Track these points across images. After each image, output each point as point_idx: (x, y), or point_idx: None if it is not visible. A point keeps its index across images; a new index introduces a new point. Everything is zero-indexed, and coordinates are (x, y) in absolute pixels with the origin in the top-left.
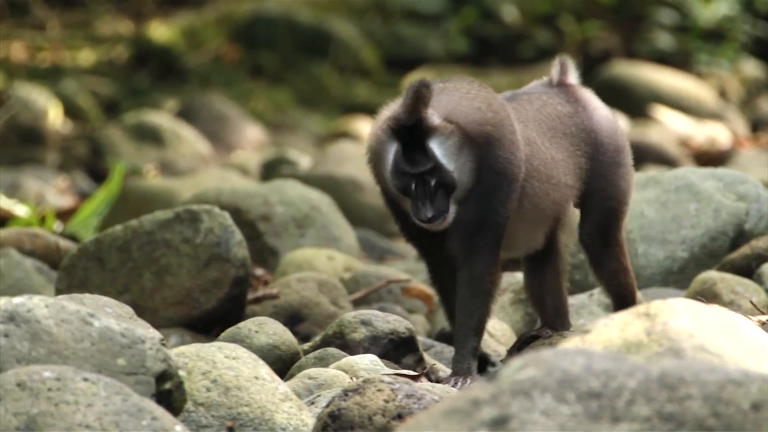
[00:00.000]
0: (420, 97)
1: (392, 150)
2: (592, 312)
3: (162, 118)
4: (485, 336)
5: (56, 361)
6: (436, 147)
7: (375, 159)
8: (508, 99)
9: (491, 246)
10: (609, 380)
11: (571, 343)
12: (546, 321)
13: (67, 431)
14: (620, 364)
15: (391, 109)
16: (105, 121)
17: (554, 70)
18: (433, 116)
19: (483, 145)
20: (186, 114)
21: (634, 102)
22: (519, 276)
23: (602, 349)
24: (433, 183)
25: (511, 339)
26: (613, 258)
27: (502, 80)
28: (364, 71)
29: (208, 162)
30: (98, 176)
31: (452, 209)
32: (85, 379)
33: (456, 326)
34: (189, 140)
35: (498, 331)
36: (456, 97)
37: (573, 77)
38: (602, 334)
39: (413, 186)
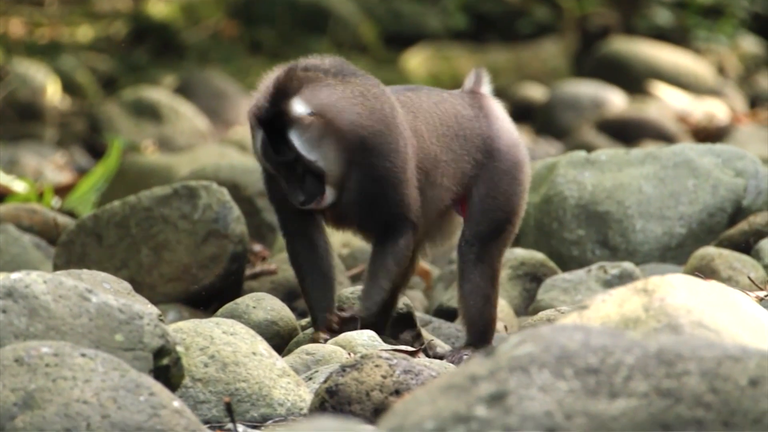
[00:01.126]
0: (282, 89)
1: (259, 136)
2: (589, 288)
3: (160, 94)
4: None
5: (54, 337)
6: (295, 138)
7: (251, 138)
8: (406, 89)
9: (407, 225)
10: (607, 356)
11: (568, 319)
12: None
13: (64, 407)
14: (618, 340)
15: (260, 92)
16: (103, 97)
17: (468, 79)
18: (295, 107)
19: (357, 148)
20: (184, 90)
21: (632, 78)
22: (517, 252)
23: (600, 325)
24: (300, 170)
25: (509, 315)
26: (481, 277)
27: (500, 56)
28: (362, 47)
29: (207, 138)
30: (96, 152)
31: (329, 192)
32: (83, 355)
33: (368, 281)
34: (187, 116)
35: None
36: (337, 94)
37: (486, 88)
38: (600, 310)
39: (281, 173)
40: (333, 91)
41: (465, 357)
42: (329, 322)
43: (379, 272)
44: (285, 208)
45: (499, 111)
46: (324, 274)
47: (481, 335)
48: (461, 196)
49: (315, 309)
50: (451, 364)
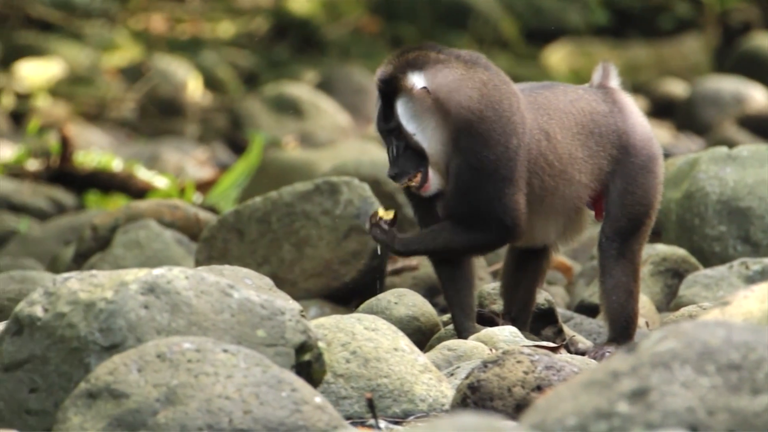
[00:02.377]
0: (405, 60)
1: (377, 106)
2: (731, 284)
3: (301, 89)
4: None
5: (196, 333)
6: (400, 106)
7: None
8: (542, 87)
9: (496, 226)
10: (749, 352)
11: (710, 315)
12: (508, 311)
13: (206, 402)
14: (760, 335)
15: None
16: (244, 92)
17: (596, 74)
18: (411, 77)
19: (461, 131)
20: (325, 85)
21: None
22: (659, 248)
23: (742, 321)
24: (401, 144)
25: (651, 311)
26: (623, 272)
27: (641, 52)
28: (503, 43)
29: (348, 133)
30: (238, 148)
31: (433, 177)
32: (225, 351)
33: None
34: (328, 112)
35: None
36: (456, 76)
37: (615, 81)
38: (742, 306)
39: (387, 142)
40: (453, 73)
41: (607, 353)
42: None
43: (438, 235)
44: (418, 204)
45: (631, 105)
46: (461, 271)
47: (623, 331)
48: (596, 192)
49: (454, 306)
50: (593, 361)
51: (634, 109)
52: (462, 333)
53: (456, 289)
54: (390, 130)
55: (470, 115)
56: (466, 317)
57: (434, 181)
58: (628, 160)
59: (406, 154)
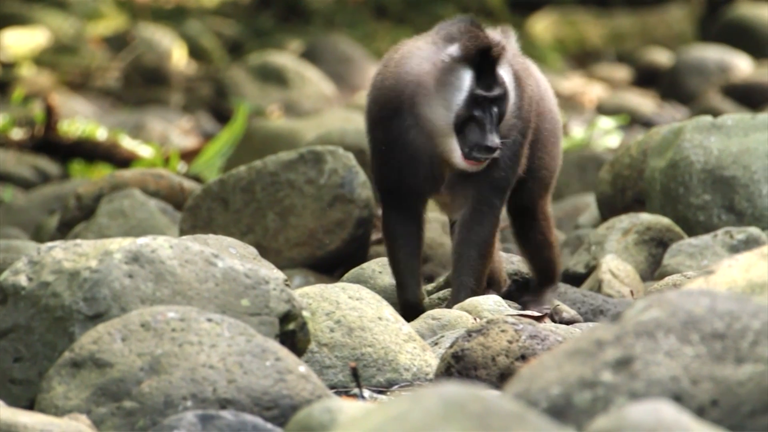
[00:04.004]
0: (481, 27)
1: (466, 77)
2: (715, 253)
3: (286, 58)
4: (609, 276)
5: (180, 302)
6: (505, 74)
7: (420, 87)
8: None
9: (500, 205)
10: (733, 321)
11: (695, 284)
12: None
13: (190, 371)
14: (744, 305)
15: (426, 45)
16: (229, 61)
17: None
18: (500, 43)
19: (525, 96)
20: (310, 55)
21: (758, 43)
22: (643, 217)
23: (726, 291)
24: (495, 112)
25: (635, 280)
26: (539, 231)
27: (626, 21)
28: (487, 12)
29: (332, 103)
30: (222, 117)
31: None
32: (209, 320)
33: (457, 285)
34: (313, 81)
35: (621, 272)
36: (513, 47)
37: (514, 46)
38: (726, 275)
39: (482, 113)
40: (511, 44)
41: (546, 306)
42: None
43: (465, 269)
44: (416, 188)
45: (538, 72)
46: (418, 231)
47: (553, 277)
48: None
49: (404, 275)
50: (577, 330)
51: (541, 75)
52: (409, 299)
53: (409, 252)
54: (494, 98)
55: (533, 84)
56: (417, 284)
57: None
58: (542, 126)
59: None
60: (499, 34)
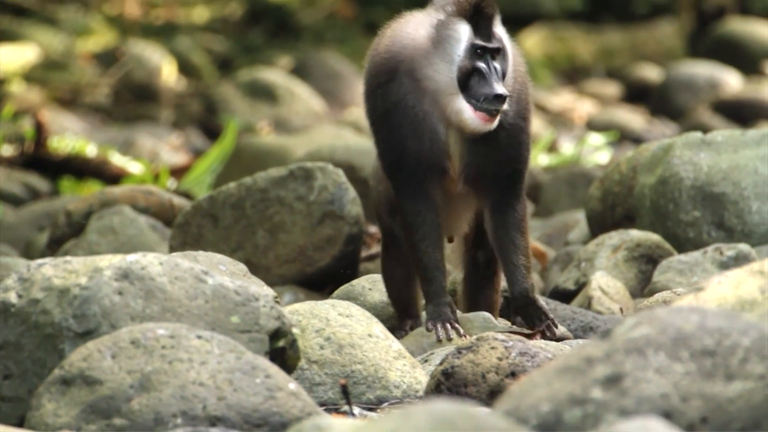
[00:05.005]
0: None
1: (464, 29)
2: (705, 269)
3: (276, 75)
4: (599, 293)
5: (170, 319)
6: (499, 29)
7: (417, 48)
8: None
9: (523, 195)
10: (723, 338)
11: (684, 301)
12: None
13: (180, 389)
14: (734, 322)
15: (423, 16)
16: (219, 78)
17: None
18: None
19: (517, 71)
20: (300, 71)
21: (748, 59)
22: (633, 233)
23: (716, 307)
24: (497, 65)
25: (625, 297)
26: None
27: (616, 37)
28: None
29: (322, 119)
30: (212, 133)
31: (506, 104)
32: (199, 337)
33: (511, 268)
34: (303, 97)
35: (611, 289)
36: None
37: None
38: (716, 291)
39: (484, 64)
40: None
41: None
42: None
43: (517, 256)
44: (423, 159)
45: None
46: (440, 238)
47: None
48: None
49: (430, 269)
50: (567, 347)
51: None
52: (438, 294)
53: (432, 242)
54: (493, 49)
55: (519, 58)
56: (444, 277)
57: (503, 111)
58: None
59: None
60: None
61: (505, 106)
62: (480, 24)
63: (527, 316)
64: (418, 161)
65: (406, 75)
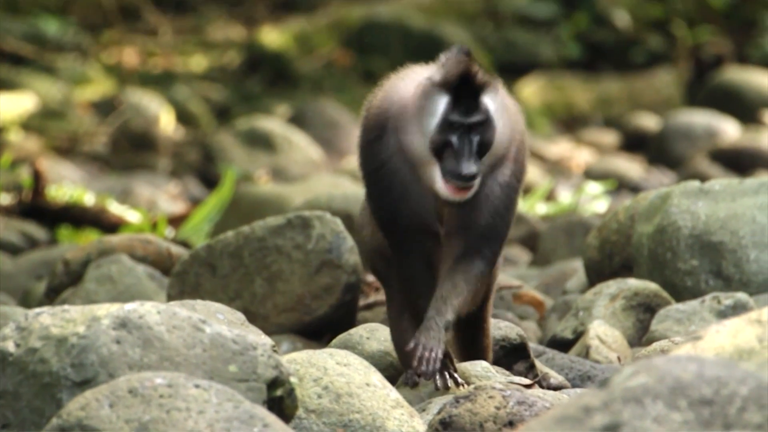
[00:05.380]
0: (470, 55)
1: (442, 101)
2: (703, 318)
3: (274, 123)
4: (597, 342)
5: (168, 368)
6: (489, 101)
7: (404, 112)
8: None
9: (489, 260)
10: (721, 387)
11: (682, 349)
12: None
13: None
14: (732, 371)
15: (423, 71)
16: (217, 126)
17: None
18: (485, 73)
19: (515, 129)
20: (298, 119)
21: (746, 107)
22: (631, 282)
23: (714, 356)
24: (476, 140)
25: (623, 345)
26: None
27: (613, 86)
28: None
29: (320, 168)
30: (210, 182)
31: (478, 179)
32: (197, 386)
33: (436, 297)
34: (301, 146)
35: (609, 338)
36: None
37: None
38: (714, 340)
39: (456, 139)
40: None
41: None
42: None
43: (449, 291)
44: (413, 219)
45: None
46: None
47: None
48: None
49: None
50: (565, 396)
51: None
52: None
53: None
54: (472, 124)
55: (520, 120)
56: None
57: (476, 185)
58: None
59: (476, 154)
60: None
61: (473, 188)
62: (462, 97)
63: (420, 337)
64: (408, 221)
65: (393, 134)
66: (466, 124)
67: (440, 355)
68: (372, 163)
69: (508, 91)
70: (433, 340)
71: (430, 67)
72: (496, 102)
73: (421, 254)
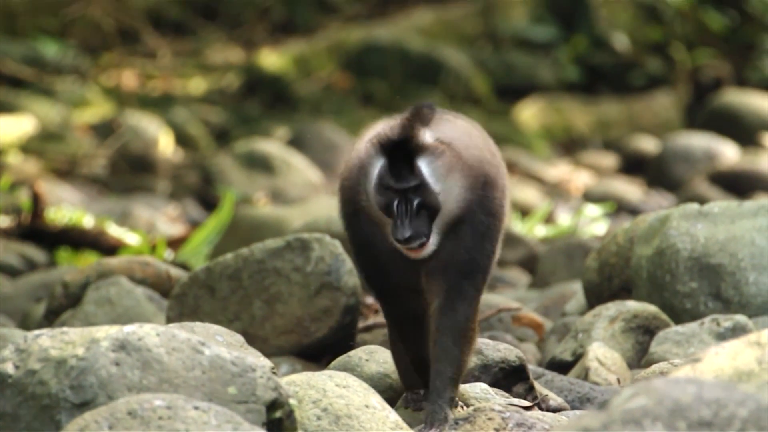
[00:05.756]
0: (418, 115)
1: (378, 164)
2: (702, 341)
3: (273, 146)
4: (596, 364)
5: (167, 390)
6: (424, 165)
7: (358, 175)
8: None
9: (476, 291)
10: (720, 409)
11: (681, 371)
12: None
13: None
14: (731, 393)
15: (385, 125)
16: (216, 149)
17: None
18: (427, 136)
19: (479, 181)
20: (296, 142)
21: (744, 130)
22: (630, 304)
23: (713, 378)
24: (416, 203)
25: (622, 367)
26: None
27: (612, 109)
28: (474, 99)
29: (319, 190)
30: (209, 204)
31: (434, 237)
32: (196, 408)
33: (434, 374)
34: (299, 168)
35: (608, 360)
36: (460, 130)
37: (478, 137)
38: (713, 362)
39: (395, 203)
40: (455, 126)
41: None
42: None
43: (441, 356)
44: (399, 279)
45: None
46: (423, 333)
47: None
48: None
49: (424, 367)
50: (564, 417)
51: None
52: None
53: (425, 348)
54: (406, 189)
55: (488, 167)
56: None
57: (433, 241)
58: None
59: (420, 215)
60: (452, 128)
61: (429, 248)
62: (395, 161)
63: (428, 420)
64: (396, 282)
65: (360, 200)
66: (399, 189)
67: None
68: (354, 233)
69: (506, 116)
70: (441, 422)
71: (386, 126)
72: (434, 165)
73: (409, 310)
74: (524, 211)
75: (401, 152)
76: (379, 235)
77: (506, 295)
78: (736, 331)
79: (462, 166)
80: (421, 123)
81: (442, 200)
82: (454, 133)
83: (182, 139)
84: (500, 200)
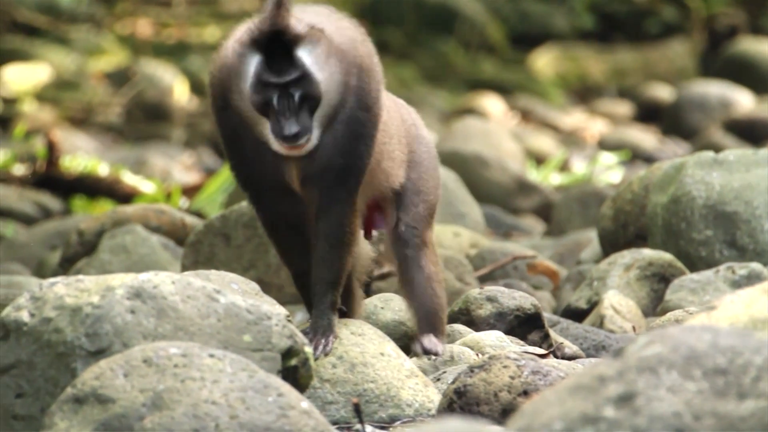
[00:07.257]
0: (283, 5)
1: (253, 62)
2: (718, 288)
3: None
4: (611, 312)
5: (182, 338)
6: (305, 54)
7: (228, 76)
8: None
9: (350, 194)
10: (735, 357)
11: (697, 319)
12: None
13: (193, 407)
14: (746, 340)
15: (248, 25)
16: None
17: None
18: (300, 24)
19: (355, 66)
20: None
21: (759, 78)
22: (645, 252)
23: (728, 326)
24: (297, 96)
25: (637, 315)
26: (431, 262)
27: (627, 57)
28: (489, 48)
29: None
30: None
31: (316, 132)
32: (211, 356)
33: (313, 281)
34: None
35: (624, 307)
36: (323, 14)
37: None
38: (728, 310)
39: (275, 100)
40: (317, 11)
41: (434, 346)
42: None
43: (319, 263)
44: (268, 178)
45: (416, 114)
46: (304, 246)
47: (440, 322)
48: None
49: (304, 279)
50: (579, 365)
51: (410, 108)
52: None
53: (305, 259)
54: (288, 82)
55: (361, 53)
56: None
57: (315, 137)
58: (419, 149)
59: (302, 109)
60: (316, 15)
61: (308, 140)
62: (275, 55)
63: (311, 329)
64: (264, 180)
65: (231, 102)
66: (281, 84)
67: (334, 338)
68: (223, 129)
69: (521, 64)
70: (325, 328)
71: (250, 23)
72: (314, 53)
73: (284, 214)
74: (539, 159)
75: (277, 45)
76: (250, 134)
77: (521, 243)
78: (752, 279)
79: (336, 52)
80: (288, 11)
81: (324, 90)
82: (319, 18)
83: (197, 88)
84: (376, 92)
